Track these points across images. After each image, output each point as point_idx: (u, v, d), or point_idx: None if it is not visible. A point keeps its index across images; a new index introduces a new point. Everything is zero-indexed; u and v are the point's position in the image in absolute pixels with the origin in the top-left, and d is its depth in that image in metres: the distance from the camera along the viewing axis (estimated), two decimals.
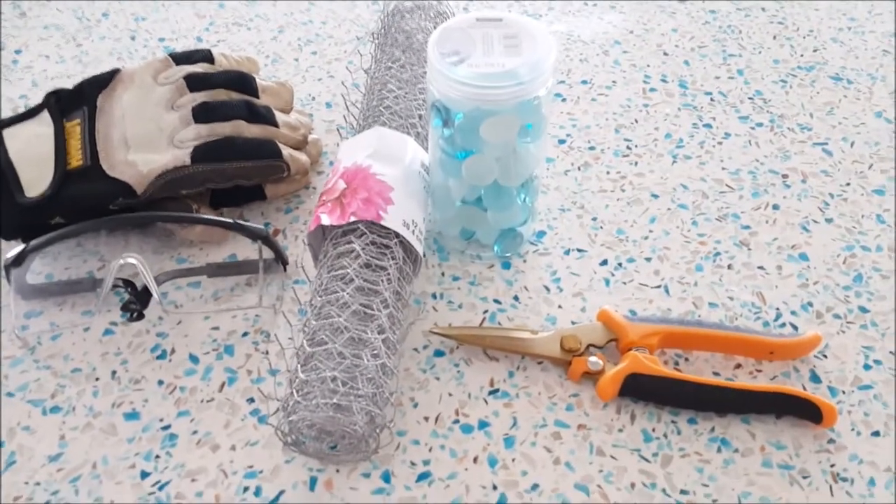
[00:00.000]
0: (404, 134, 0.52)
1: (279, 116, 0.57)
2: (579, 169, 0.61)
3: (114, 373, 0.48)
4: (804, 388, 0.47)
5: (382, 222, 0.46)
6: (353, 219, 0.46)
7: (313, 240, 0.49)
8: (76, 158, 0.52)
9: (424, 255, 0.52)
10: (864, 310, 0.51)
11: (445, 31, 0.47)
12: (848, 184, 0.59)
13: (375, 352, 0.42)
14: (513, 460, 0.44)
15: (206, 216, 0.52)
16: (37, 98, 0.66)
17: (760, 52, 0.71)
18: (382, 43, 0.60)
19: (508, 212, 0.52)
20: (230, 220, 0.50)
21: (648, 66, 0.70)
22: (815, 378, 0.48)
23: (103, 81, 0.56)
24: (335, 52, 0.71)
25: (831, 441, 0.45)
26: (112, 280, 0.48)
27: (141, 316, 0.48)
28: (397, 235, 0.47)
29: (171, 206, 0.53)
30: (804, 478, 0.43)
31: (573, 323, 0.51)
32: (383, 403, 0.42)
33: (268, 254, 0.51)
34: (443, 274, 0.54)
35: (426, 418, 0.46)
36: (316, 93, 0.67)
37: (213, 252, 0.54)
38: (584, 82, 0.68)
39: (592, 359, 0.47)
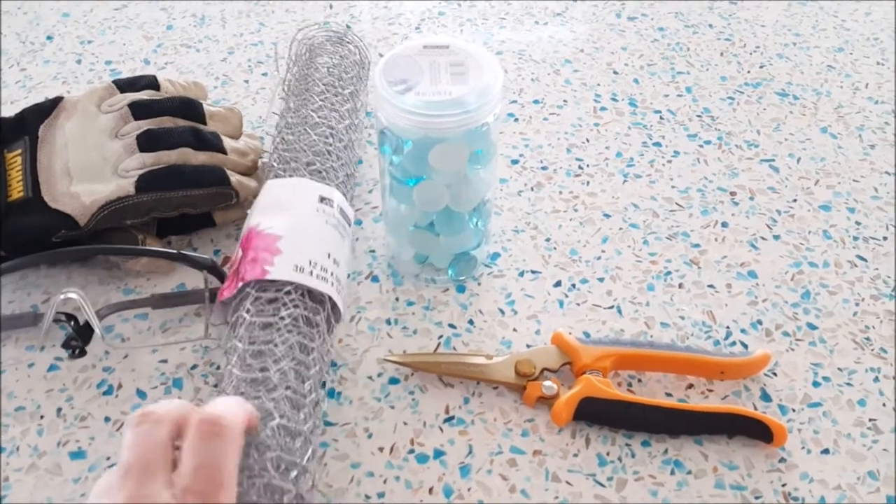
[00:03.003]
0: (296, 177, 0.50)
1: (227, 142, 0.56)
2: (532, 189, 0.61)
3: (59, 410, 0.47)
4: (755, 407, 0.48)
5: (268, 276, 0.44)
6: (240, 284, 0.44)
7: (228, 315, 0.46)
8: (17, 190, 0.51)
9: (376, 280, 0.51)
10: (812, 326, 0.52)
11: (392, 58, 0.46)
12: (795, 200, 0.60)
13: (271, 415, 0.38)
14: (469, 490, 0.44)
15: (148, 248, 0.51)
16: None
17: (708, 70, 0.72)
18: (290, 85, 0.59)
19: (461, 236, 0.52)
20: (174, 251, 0.49)
21: (599, 84, 0.70)
22: (765, 396, 0.48)
23: (45, 110, 0.55)
24: (280, 68, 0.70)
25: (782, 460, 0.45)
26: (52, 315, 0.47)
27: (83, 353, 0.47)
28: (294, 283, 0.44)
29: (116, 237, 0.52)
30: (756, 498, 0.43)
31: (528, 346, 0.51)
32: (292, 468, 0.37)
33: (215, 283, 0.50)
34: (397, 299, 0.53)
35: (381, 449, 0.45)
36: (267, 115, 0.67)
37: (161, 282, 0.53)
38: (536, 102, 0.69)
39: (547, 383, 0.47)
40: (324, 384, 0.48)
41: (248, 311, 0.43)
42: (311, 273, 0.45)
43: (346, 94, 0.57)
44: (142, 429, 0.33)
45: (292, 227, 0.46)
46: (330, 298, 0.46)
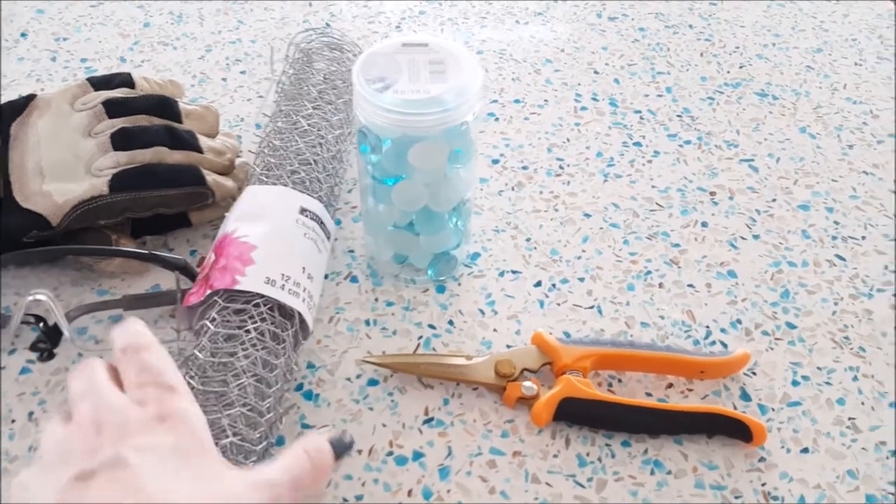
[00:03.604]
0: (279, 185, 0.49)
1: (203, 141, 0.55)
2: (513, 189, 0.61)
3: (31, 414, 0.46)
4: (735, 407, 0.47)
5: (238, 287, 0.43)
6: (209, 292, 0.43)
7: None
8: None
9: (355, 280, 0.51)
10: (791, 326, 0.52)
11: (370, 56, 0.46)
12: (774, 200, 0.60)
13: (225, 433, 0.38)
14: (448, 491, 0.43)
15: (119, 248, 0.51)
16: None
17: (688, 70, 0.72)
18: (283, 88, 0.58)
19: (440, 236, 0.51)
20: (145, 252, 0.48)
21: (579, 84, 0.70)
22: (745, 396, 0.48)
23: (18, 108, 0.54)
24: (265, 72, 0.70)
25: (762, 459, 0.45)
26: (20, 317, 0.46)
27: (51, 356, 0.46)
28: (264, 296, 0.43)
29: (89, 237, 0.51)
30: (736, 497, 0.43)
31: (508, 347, 0.50)
32: None
33: (189, 284, 0.50)
34: (376, 299, 0.53)
35: (359, 451, 0.45)
36: (245, 114, 0.66)
37: (135, 283, 0.53)
38: (517, 101, 0.68)
39: (527, 384, 0.47)
40: (300, 386, 0.48)
41: (213, 321, 0.42)
42: (283, 287, 0.44)
43: (340, 103, 0.56)
44: (83, 373, 0.34)
45: (269, 238, 0.45)
46: (300, 315, 0.44)
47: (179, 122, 0.55)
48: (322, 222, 0.49)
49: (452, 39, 0.74)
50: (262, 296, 0.43)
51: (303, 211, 0.48)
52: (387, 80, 0.45)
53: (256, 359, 0.41)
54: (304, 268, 0.46)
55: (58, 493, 0.29)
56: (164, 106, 0.55)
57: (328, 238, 0.49)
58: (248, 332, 0.41)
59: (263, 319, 0.42)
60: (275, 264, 0.44)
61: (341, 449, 0.35)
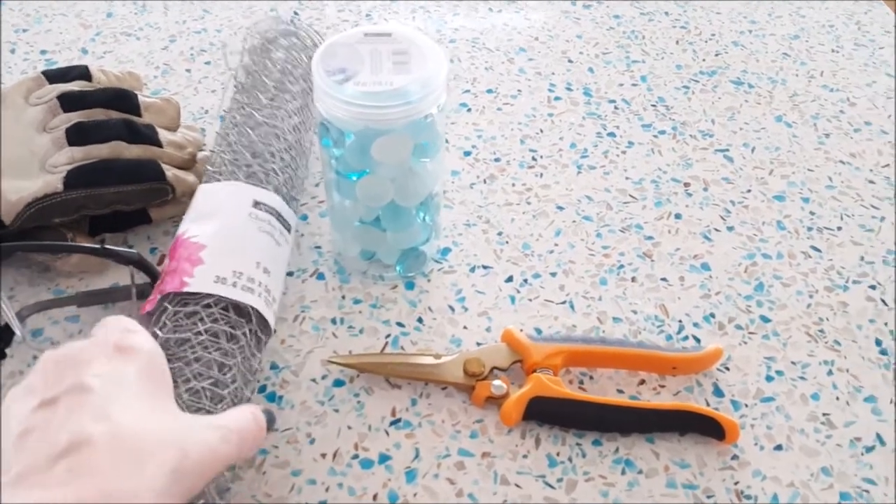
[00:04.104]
0: (231, 181, 0.47)
1: (164, 135, 0.53)
2: (485, 182, 0.59)
3: None
4: (707, 403, 0.47)
5: (187, 288, 0.41)
6: (159, 297, 0.42)
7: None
8: None
9: (322, 277, 0.49)
10: (765, 319, 0.51)
11: (331, 46, 0.44)
12: (749, 190, 0.60)
13: None
14: (415, 495, 0.42)
15: (69, 244, 0.49)
16: None
17: (663, 58, 0.71)
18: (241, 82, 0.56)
19: (408, 231, 0.50)
20: (97, 247, 0.46)
21: (553, 73, 0.69)
22: (717, 392, 0.47)
23: None
24: (231, 62, 0.68)
25: (735, 457, 0.44)
26: None
27: (2, 355, 0.45)
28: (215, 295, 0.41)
29: (44, 236, 0.49)
30: (708, 497, 0.43)
31: (478, 344, 0.49)
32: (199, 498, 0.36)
33: (144, 279, 0.48)
34: (343, 297, 0.51)
35: (323, 455, 0.44)
36: (209, 105, 0.64)
37: (93, 282, 0.51)
38: (490, 91, 0.67)
39: (496, 382, 0.46)
40: (262, 388, 0.46)
41: (163, 327, 0.40)
42: (235, 284, 0.42)
43: (296, 90, 0.55)
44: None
45: (219, 235, 0.44)
46: (257, 311, 0.43)
47: (138, 115, 0.53)
48: (279, 214, 0.47)
49: (423, 28, 0.73)
50: (213, 295, 0.41)
51: (256, 204, 0.46)
52: (348, 71, 0.43)
53: (210, 361, 0.39)
54: (258, 262, 0.44)
55: (23, 420, 0.30)
56: (121, 99, 0.53)
57: (288, 230, 0.48)
58: (198, 334, 0.40)
59: (215, 320, 0.41)
60: (225, 261, 0.42)
61: (270, 422, 0.38)
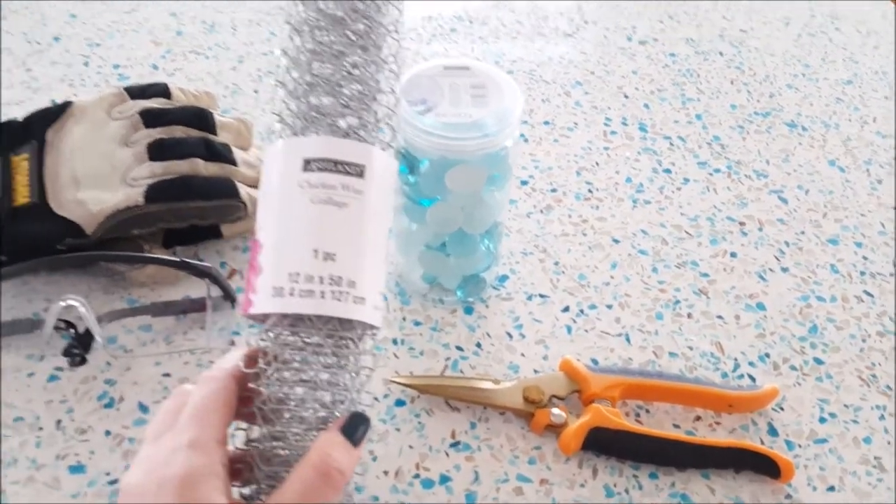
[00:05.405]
0: (279, 142, 0.35)
1: (238, 154, 0.55)
2: (542, 212, 0.61)
3: (59, 422, 0.46)
4: (762, 442, 0.47)
5: (252, 309, 0.34)
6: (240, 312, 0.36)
7: None
8: (23, 195, 0.50)
9: (384, 298, 0.50)
10: (819, 361, 0.52)
11: (413, 78, 0.46)
12: (803, 232, 0.60)
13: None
14: None
15: (149, 255, 0.51)
16: None
17: (718, 97, 0.72)
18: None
19: (472, 258, 0.52)
20: (176, 259, 0.48)
21: (609, 107, 0.70)
22: (772, 431, 0.48)
23: (53, 114, 0.54)
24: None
25: (788, 496, 0.45)
26: (53, 322, 0.46)
27: (83, 361, 0.46)
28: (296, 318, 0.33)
29: (121, 246, 0.51)
30: None
31: (536, 372, 0.50)
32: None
33: (218, 292, 0.50)
34: (404, 319, 0.53)
35: (385, 472, 0.45)
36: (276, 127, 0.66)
37: (165, 293, 0.53)
38: (547, 123, 0.68)
39: (555, 411, 0.47)
40: None
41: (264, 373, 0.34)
42: (293, 292, 0.33)
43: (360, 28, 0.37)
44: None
45: (269, 227, 0.34)
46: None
47: (215, 133, 0.55)
48: (341, 163, 0.34)
49: (482, 58, 0.74)
50: (272, 314, 0.34)
51: (307, 165, 0.33)
52: (428, 102, 0.45)
53: (317, 385, 0.34)
54: (315, 250, 0.33)
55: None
56: (200, 118, 0.55)
57: (360, 174, 0.34)
58: (296, 364, 0.34)
59: (301, 348, 0.34)
60: (280, 263, 0.33)
61: (354, 432, 0.33)
